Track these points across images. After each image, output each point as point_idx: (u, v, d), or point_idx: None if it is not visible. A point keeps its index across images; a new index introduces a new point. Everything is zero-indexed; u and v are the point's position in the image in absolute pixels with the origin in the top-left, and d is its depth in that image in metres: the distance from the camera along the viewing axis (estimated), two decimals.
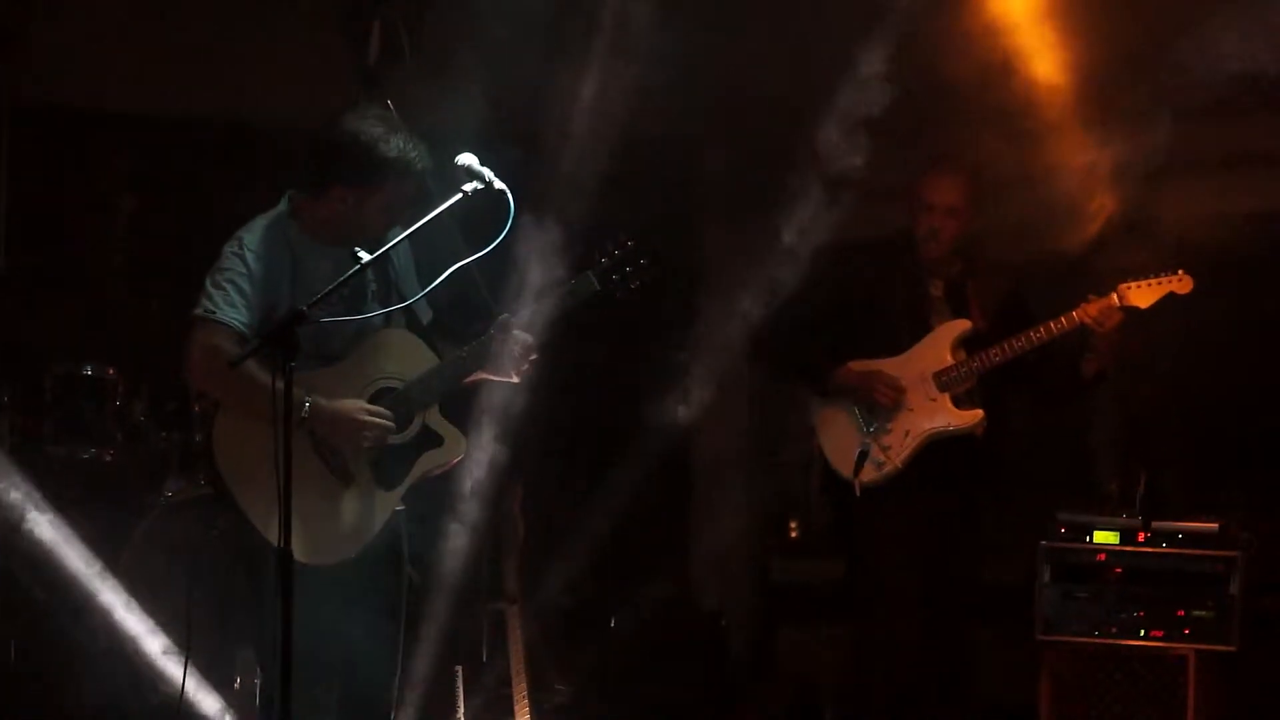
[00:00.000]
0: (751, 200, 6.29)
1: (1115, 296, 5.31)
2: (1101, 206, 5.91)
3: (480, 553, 6.07)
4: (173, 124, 6.90)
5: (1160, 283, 5.27)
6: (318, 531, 4.38)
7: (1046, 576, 5.52)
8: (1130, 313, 5.33)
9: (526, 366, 4.55)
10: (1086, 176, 5.86)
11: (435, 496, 4.75)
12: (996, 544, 5.76)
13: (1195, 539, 5.45)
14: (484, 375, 4.58)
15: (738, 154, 7.42)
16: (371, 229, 4.46)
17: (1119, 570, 5.50)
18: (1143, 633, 5.42)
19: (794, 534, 7.52)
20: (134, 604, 5.78)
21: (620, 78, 5.61)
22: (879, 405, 5.49)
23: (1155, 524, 5.47)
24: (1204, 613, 5.36)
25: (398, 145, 4.41)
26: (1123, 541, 5.51)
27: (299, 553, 4.05)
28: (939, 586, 5.56)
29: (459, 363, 4.55)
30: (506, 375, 4.55)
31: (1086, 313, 5.33)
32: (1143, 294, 5.32)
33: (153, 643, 5.76)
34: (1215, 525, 5.45)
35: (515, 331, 4.52)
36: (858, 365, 5.57)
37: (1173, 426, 6.60)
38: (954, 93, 5.79)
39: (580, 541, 6.91)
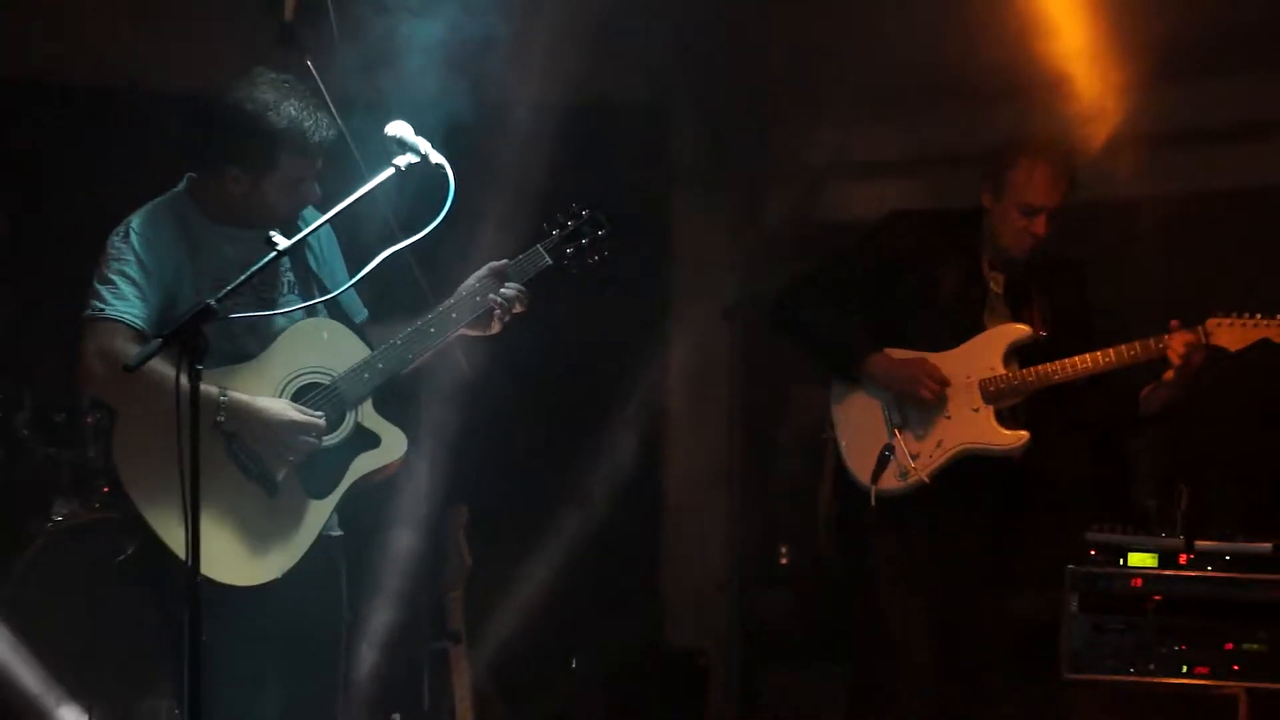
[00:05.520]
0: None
1: (1200, 332, 5.17)
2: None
3: (420, 584, 6.09)
4: (48, 94, 6.68)
5: (1256, 325, 5.15)
6: (239, 547, 4.40)
7: (1074, 606, 5.51)
8: (1214, 353, 5.19)
9: (510, 316, 4.61)
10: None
11: (365, 507, 4.71)
12: (1015, 574, 5.67)
13: (1245, 562, 5.47)
14: (463, 331, 4.62)
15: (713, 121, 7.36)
16: (277, 212, 4.46)
17: (1158, 598, 5.50)
18: (1185, 669, 5.46)
19: (784, 560, 7.44)
20: (18, 651, 5.70)
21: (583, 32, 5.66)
22: (919, 402, 5.37)
23: (1199, 544, 5.50)
24: (1256, 646, 5.41)
25: (289, 114, 4.39)
26: (1162, 565, 5.51)
27: (217, 572, 4.16)
28: (955, 624, 5.47)
29: (418, 337, 4.53)
30: (485, 328, 4.62)
31: (1172, 347, 5.15)
32: (1234, 334, 5.17)
33: (46, 699, 5.69)
34: (1268, 546, 5.46)
35: (508, 284, 4.57)
36: (896, 353, 5.44)
37: (1219, 434, 6.49)
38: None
39: (535, 571, 7.00)
